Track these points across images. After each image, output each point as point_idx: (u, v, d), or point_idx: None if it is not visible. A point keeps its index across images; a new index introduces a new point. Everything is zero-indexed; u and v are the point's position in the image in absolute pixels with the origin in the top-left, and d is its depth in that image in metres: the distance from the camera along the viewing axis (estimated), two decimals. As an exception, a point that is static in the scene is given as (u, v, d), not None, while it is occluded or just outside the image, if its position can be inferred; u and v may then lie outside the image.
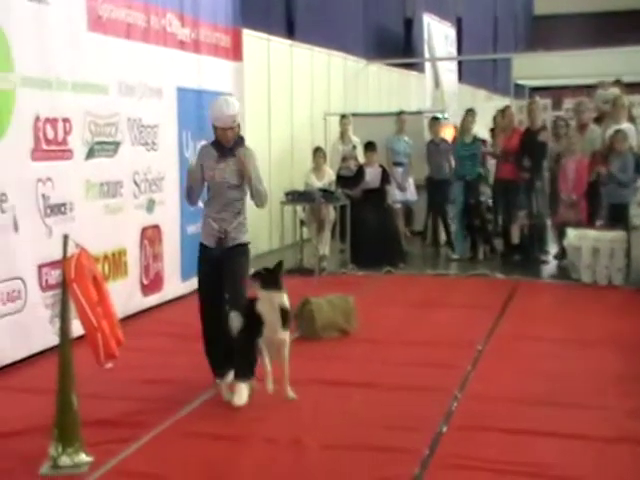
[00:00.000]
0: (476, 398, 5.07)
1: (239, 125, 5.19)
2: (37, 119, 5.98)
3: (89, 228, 6.37)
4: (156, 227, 7.65)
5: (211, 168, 5.14)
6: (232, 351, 5.04)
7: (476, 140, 10.36)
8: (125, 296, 6.92)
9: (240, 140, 5.22)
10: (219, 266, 5.10)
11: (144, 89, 7.46)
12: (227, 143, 5.14)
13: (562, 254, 9.46)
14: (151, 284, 7.53)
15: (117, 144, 7.04)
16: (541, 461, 4.12)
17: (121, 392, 5.15)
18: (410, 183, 11.07)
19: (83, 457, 3.98)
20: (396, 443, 4.32)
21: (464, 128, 10.40)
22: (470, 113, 10.46)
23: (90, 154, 6.66)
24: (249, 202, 5.35)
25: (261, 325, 4.97)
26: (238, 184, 5.15)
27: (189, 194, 5.35)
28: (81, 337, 4.20)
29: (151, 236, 7.58)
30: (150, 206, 7.53)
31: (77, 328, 4.17)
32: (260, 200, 5.24)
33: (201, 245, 5.23)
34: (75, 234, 4.30)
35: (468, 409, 4.88)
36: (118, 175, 7.05)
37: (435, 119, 11.30)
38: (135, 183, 7.31)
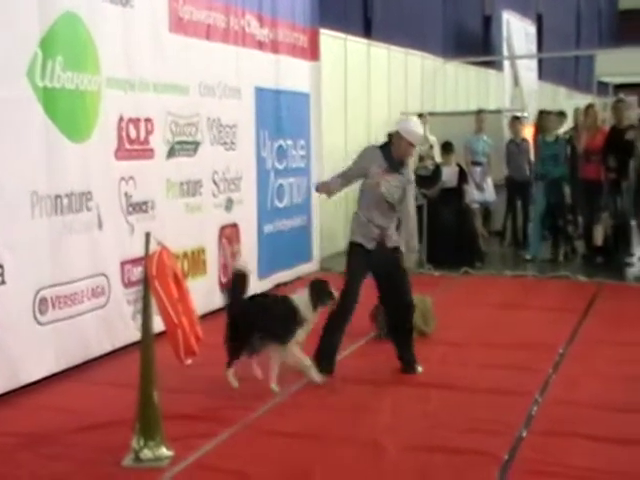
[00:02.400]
0: (558, 403, 4.95)
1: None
2: (121, 119, 6.12)
3: (169, 226, 6.49)
4: (234, 226, 7.74)
5: (378, 177, 5.35)
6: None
7: (559, 139, 10.10)
8: (204, 294, 7.02)
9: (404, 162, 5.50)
10: (371, 265, 5.44)
11: (223, 89, 7.54)
12: (405, 157, 5.44)
13: (648, 257, 9.15)
14: (229, 282, 7.61)
15: (197, 144, 7.15)
16: (625, 470, 4.00)
17: (201, 388, 5.21)
18: (489, 183, 10.89)
19: (164, 451, 4.04)
20: (476, 446, 4.25)
21: (546, 127, 10.16)
22: (551, 113, 10.25)
23: (171, 153, 6.78)
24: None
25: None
26: (396, 202, 5.41)
27: (330, 188, 5.56)
28: (162, 333, 4.26)
29: (229, 235, 7.67)
30: (229, 205, 7.62)
31: (158, 324, 4.23)
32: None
33: (357, 245, 5.47)
34: (156, 232, 4.38)
35: (549, 414, 4.77)
36: (198, 174, 7.15)
37: (516, 118, 11.08)
38: (214, 182, 7.41)
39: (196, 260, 7.08)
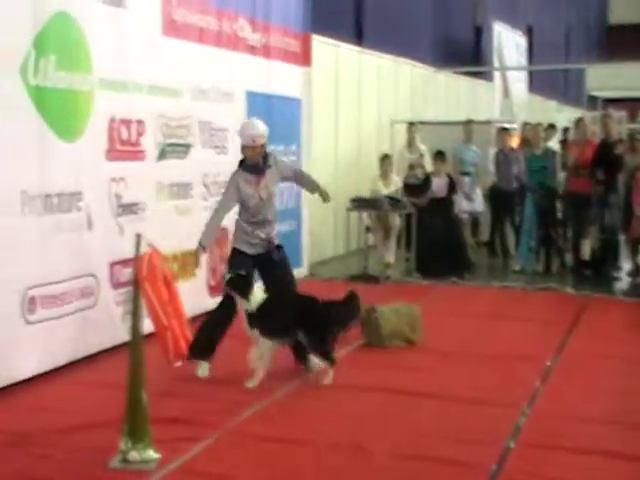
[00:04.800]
0: (545, 415, 4.95)
1: (264, 145, 5.63)
2: (112, 120, 6.10)
3: (159, 228, 6.46)
4: (223, 229, 7.69)
5: (253, 190, 5.57)
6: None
7: (548, 151, 10.14)
8: (193, 296, 6.98)
9: (266, 156, 5.67)
10: (256, 267, 5.64)
11: (215, 93, 7.54)
12: (254, 160, 5.57)
13: (636, 271, 9.17)
14: (217, 286, 7.58)
15: (188, 146, 7.13)
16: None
17: (189, 391, 5.17)
18: (477, 193, 10.92)
19: (151, 453, 4.01)
20: (463, 456, 4.24)
21: (534, 140, 10.21)
22: (539, 126, 10.33)
23: (162, 155, 6.76)
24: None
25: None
26: (273, 193, 5.72)
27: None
28: (151, 335, 4.24)
29: (219, 238, 7.62)
30: (218, 209, 7.59)
31: (147, 326, 4.21)
32: (317, 186, 5.84)
33: (240, 252, 5.62)
34: (145, 234, 4.35)
35: (536, 426, 4.76)
36: (188, 177, 7.13)
37: (504, 129, 11.14)
38: (205, 185, 7.39)
39: (185, 263, 7.05)
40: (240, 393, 5.18)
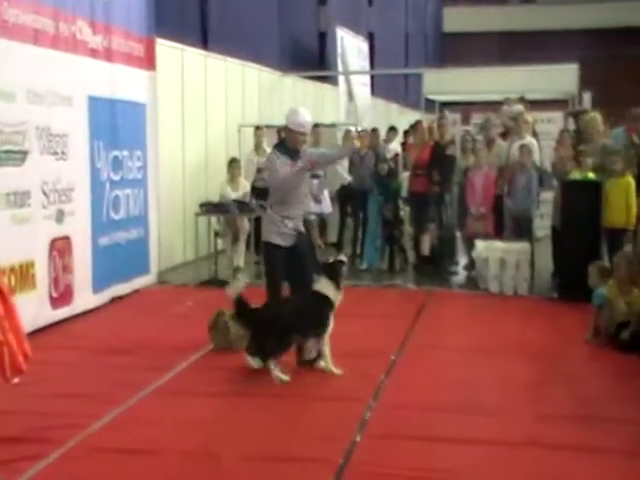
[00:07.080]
0: (390, 407, 5.15)
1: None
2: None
3: (-6, 239, 6.17)
4: (66, 238, 7.46)
5: (291, 171, 5.79)
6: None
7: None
8: (33, 309, 6.72)
9: None
10: (287, 257, 5.87)
11: (53, 97, 7.27)
12: (300, 146, 5.86)
13: (471, 265, 9.69)
14: (61, 297, 7.33)
15: (25, 153, 6.84)
16: (453, 467, 4.22)
17: (29, 407, 4.98)
18: (325, 195, 11.15)
19: (-12, 476, 3.85)
20: (311, 453, 4.35)
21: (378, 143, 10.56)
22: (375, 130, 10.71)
23: (-4, 163, 6.45)
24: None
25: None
26: (304, 183, 6.01)
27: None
28: (-14, 352, 4.05)
29: (61, 247, 7.39)
30: (59, 217, 7.34)
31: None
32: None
33: (274, 245, 5.84)
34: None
35: (382, 418, 4.95)
36: (26, 185, 6.84)
37: (362, 131, 11.45)
38: (44, 193, 7.11)
39: (24, 274, 6.76)
40: (84, 406, 5.04)
